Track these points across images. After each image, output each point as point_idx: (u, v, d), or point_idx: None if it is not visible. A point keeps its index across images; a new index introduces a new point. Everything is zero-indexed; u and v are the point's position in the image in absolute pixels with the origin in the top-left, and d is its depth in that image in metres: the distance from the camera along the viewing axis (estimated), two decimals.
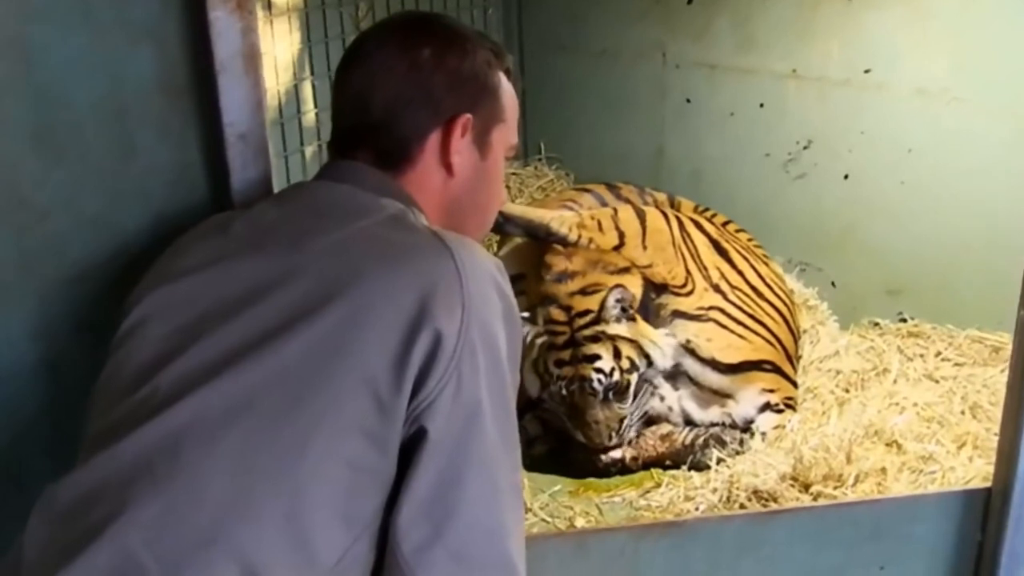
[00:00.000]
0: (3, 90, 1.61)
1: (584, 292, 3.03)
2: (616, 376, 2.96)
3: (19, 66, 1.61)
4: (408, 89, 1.58)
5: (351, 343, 1.34)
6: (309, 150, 3.81)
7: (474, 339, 1.37)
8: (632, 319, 3.00)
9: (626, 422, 3.01)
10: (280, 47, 3.62)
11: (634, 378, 2.99)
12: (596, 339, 2.97)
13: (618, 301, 2.97)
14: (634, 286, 3.05)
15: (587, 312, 2.99)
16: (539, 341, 3.03)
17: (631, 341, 2.99)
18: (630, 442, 3.02)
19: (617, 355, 2.97)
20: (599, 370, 2.95)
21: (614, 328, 2.98)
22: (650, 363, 3.03)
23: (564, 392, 2.99)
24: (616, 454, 3.00)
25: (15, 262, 1.69)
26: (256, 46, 1.70)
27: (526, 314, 2.98)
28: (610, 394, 2.96)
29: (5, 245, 1.67)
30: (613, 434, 2.99)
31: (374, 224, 1.47)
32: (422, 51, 1.59)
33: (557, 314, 3.02)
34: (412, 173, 1.59)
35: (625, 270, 3.08)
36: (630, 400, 3.01)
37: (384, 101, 1.57)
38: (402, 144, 1.58)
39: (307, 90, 3.81)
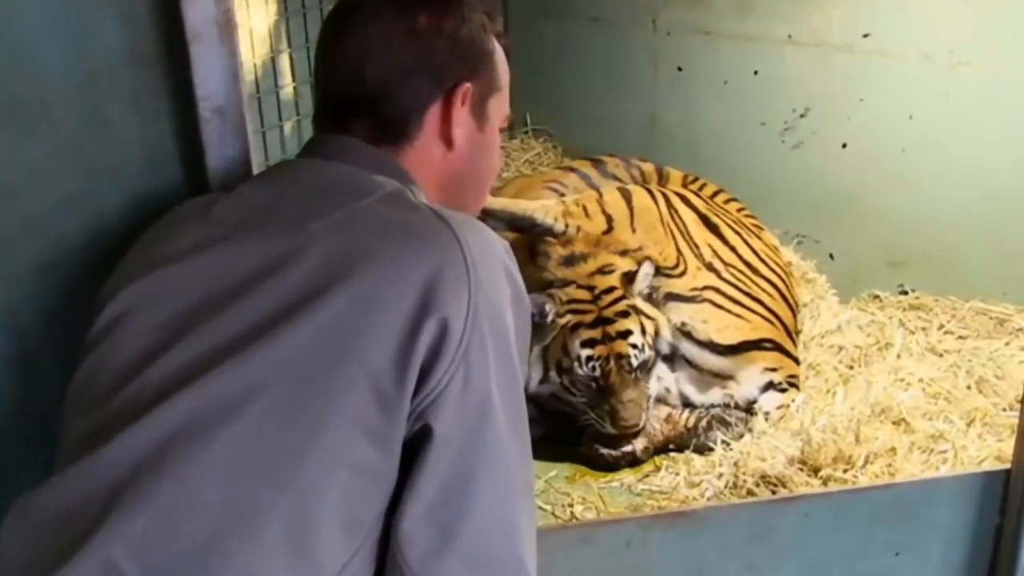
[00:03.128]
0: None
1: (603, 272, 2.95)
2: (646, 351, 2.90)
3: None
4: (407, 58, 1.48)
5: (352, 333, 1.25)
6: (288, 125, 3.72)
7: (483, 327, 1.28)
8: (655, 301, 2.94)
9: (651, 399, 2.94)
10: (256, 18, 3.51)
11: (653, 354, 2.93)
12: (626, 314, 2.89)
13: (648, 274, 2.91)
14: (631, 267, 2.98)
15: (612, 289, 2.92)
16: (560, 322, 2.92)
17: (650, 318, 2.93)
18: (636, 434, 2.92)
19: (644, 331, 2.90)
20: (634, 345, 2.88)
21: (640, 303, 2.92)
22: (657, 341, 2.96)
23: (598, 373, 2.88)
24: (627, 447, 2.90)
25: None
26: (231, 13, 1.60)
27: None
28: (638, 371, 2.89)
29: None
30: (644, 413, 2.89)
31: (373, 203, 1.38)
32: (419, 16, 1.49)
33: (580, 293, 2.94)
34: (410, 148, 1.50)
35: (626, 252, 3.00)
36: (652, 378, 2.95)
37: (381, 71, 1.48)
38: (401, 117, 1.49)
39: (284, 63, 3.70)
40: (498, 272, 1.34)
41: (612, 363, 2.87)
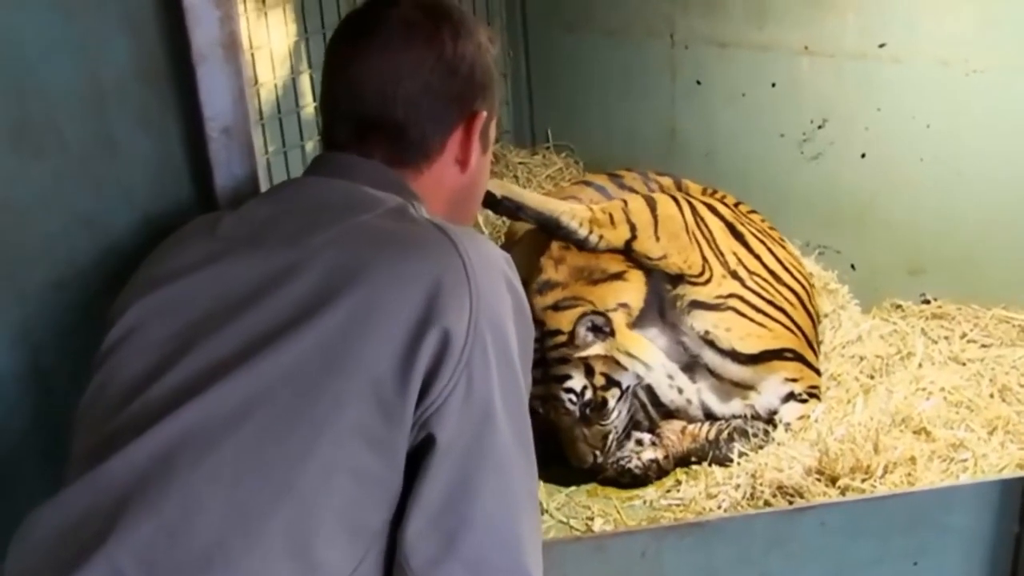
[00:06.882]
0: None
1: (557, 307, 2.89)
2: (588, 395, 2.83)
3: None
4: (436, 83, 1.52)
5: (354, 343, 1.27)
6: (309, 145, 3.74)
7: (484, 336, 1.31)
8: (611, 334, 2.84)
9: (611, 437, 2.88)
10: (275, 39, 3.53)
11: (613, 394, 2.85)
12: (565, 360, 2.84)
13: (588, 330, 2.82)
14: (630, 292, 2.93)
15: (557, 332, 2.85)
16: None
17: (606, 358, 2.85)
18: (654, 442, 2.91)
19: (590, 373, 2.83)
20: (570, 390, 2.83)
21: (584, 350, 2.84)
22: (639, 376, 2.89)
23: (540, 411, 2.86)
24: (649, 455, 2.88)
25: None
26: (236, 35, 1.63)
27: None
28: (587, 411, 2.84)
29: None
30: (597, 452, 2.87)
31: (373, 218, 1.40)
32: (447, 44, 1.53)
33: None
34: (428, 171, 1.54)
35: (617, 275, 2.95)
36: (612, 416, 2.87)
37: (411, 95, 1.51)
38: (423, 139, 1.53)
39: (305, 83, 3.72)
40: (499, 282, 1.36)
41: (550, 404, 2.85)
